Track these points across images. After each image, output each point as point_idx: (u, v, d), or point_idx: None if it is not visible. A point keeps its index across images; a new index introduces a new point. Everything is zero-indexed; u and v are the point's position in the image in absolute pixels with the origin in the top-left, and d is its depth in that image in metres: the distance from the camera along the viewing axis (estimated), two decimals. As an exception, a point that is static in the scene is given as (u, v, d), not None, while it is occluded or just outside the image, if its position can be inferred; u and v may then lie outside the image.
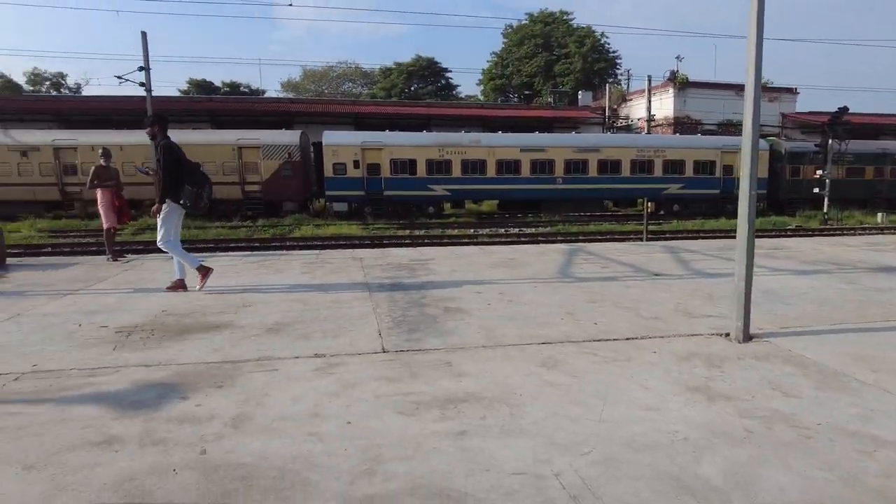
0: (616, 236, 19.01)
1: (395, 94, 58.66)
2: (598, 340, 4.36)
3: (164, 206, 6.21)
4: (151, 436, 2.79)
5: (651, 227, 18.48)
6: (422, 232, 20.90)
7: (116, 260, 8.82)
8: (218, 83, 55.22)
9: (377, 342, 4.25)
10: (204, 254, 10.69)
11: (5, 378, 3.59)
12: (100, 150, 9.45)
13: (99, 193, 9.05)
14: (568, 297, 5.84)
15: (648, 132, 36.60)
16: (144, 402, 3.20)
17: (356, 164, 24.38)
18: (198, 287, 6.23)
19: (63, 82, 52.24)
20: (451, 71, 63.60)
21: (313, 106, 36.99)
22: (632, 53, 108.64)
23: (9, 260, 8.52)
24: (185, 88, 53.68)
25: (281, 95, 56.95)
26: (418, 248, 11.02)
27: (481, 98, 61.61)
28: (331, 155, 24.19)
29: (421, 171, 24.93)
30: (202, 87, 53.79)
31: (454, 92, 63.14)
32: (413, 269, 7.56)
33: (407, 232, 20.86)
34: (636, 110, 42.79)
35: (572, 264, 8.05)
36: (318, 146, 25.22)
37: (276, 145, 24.30)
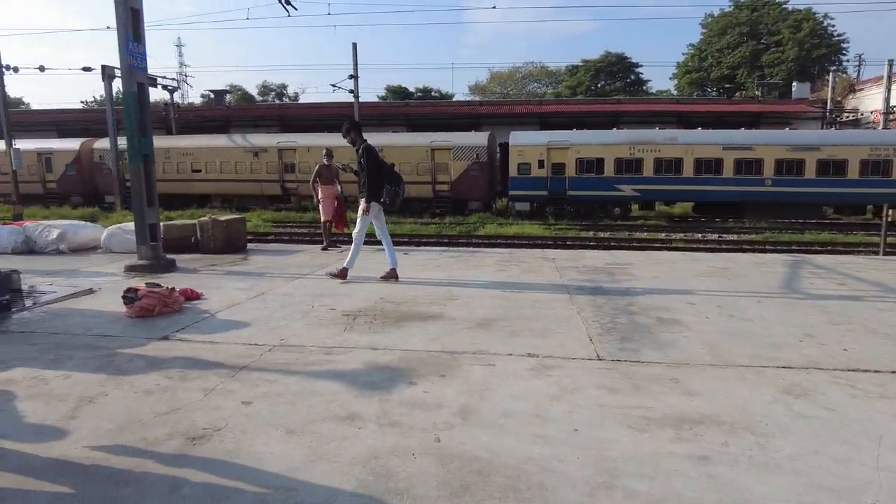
0: (838, 248, 16.42)
1: (580, 91, 57.45)
2: (854, 370, 3.71)
3: (364, 202, 6.68)
4: (388, 417, 2.97)
5: (888, 240, 15.62)
6: (607, 234, 20.11)
7: (328, 249, 9.77)
8: (412, 89, 59.09)
9: (590, 348, 4.09)
10: (400, 247, 11.41)
11: (262, 349, 4.12)
12: (323, 151, 10.50)
13: (320, 189, 10.10)
14: (802, 316, 5.10)
15: (885, 127, 31.08)
16: (377, 383, 3.43)
17: (541, 164, 24.26)
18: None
19: (285, 92, 59.92)
20: (641, 66, 60.47)
21: (500, 107, 37.73)
22: (863, 36, 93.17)
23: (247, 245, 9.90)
24: (383, 94, 58.27)
25: (468, 98, 59.10)
26: (611, 251, 10.58)
27: (674, 93, 57.64)
28: (516, 155, 24.39)
29: (608, 170, 24.00)
30: (397, 92, 57.97)
31: (644, 87, 59.97)
32: (611, 273, 7.23)
33: (591, 234, 20.23)
34: (868, 101, 36.57)
35: (799, 278, 7.06)
36: (504, 146, 25.61)
37: (465, 146, 25.19)
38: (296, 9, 13.42)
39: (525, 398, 3.19)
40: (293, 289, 6.25)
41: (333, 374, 3.60)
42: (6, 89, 22.66)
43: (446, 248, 10.90)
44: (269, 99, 58.17)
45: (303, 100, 58.13)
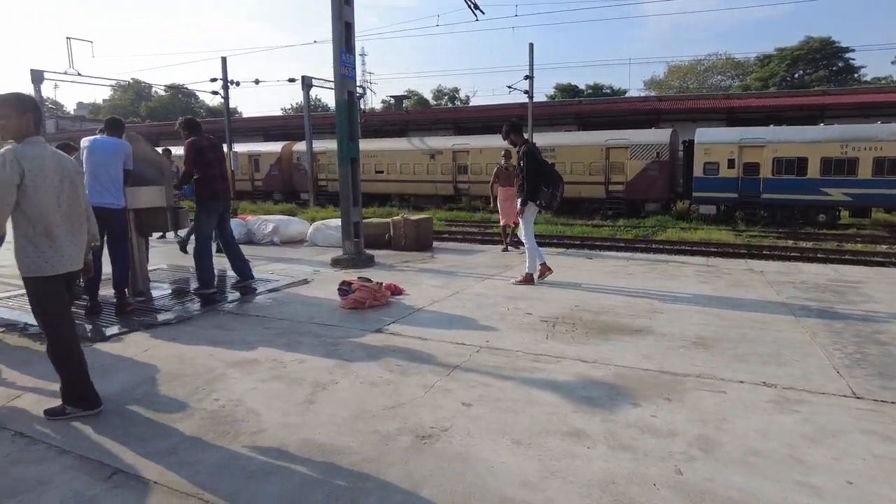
0: None
1: (773, 83, 51.46)
2: None
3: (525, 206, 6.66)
4: (617, 439, 2.79)
5: None
6: (810, 244, 17.70)
7: (508, 250, 9.78)
8: (582, 86, 57.68)
9: (840, 382, 3.52)
10: (571, 250, 11.11)
11: (470, 349, 4.18)
12: (502, 152, 10.57)
13: (499, 191, 10.16)
14: None
15: None
16: (596, 399, 3.27)
17: (731, 164, 22.12)
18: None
19: (457, 95, 62.00)
20: (852, 50, 52.39)
21: (681, 102, 35.15)
22: None
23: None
24: (552, 93, 57.60)
25: (642, 94, 56.05)
26: (832, 265, 9.21)
27: (898, 80, 49.11)
28: (702, 154, 22.51)
29: (812, 171, 21.13)
30: (567, 90, 56.92)
31: (856, 75, 51.94)
32: (840, 292, 6.25)
33: (790, 242, 17.95)
34: None
35: None
36: (687, 144, 23.79)
37: (644, 144, 23.86)
38: (483, 12, 13.67)
39: (773, 435, 2.81)
40: (484, 289, 6.32)
41: (547, 383, 3.51)
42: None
43: (632, 253, 10.34)
44: (443, 102, 60.57)
45: (474, 102, 59.79)
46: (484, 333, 4.56)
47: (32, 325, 5.07)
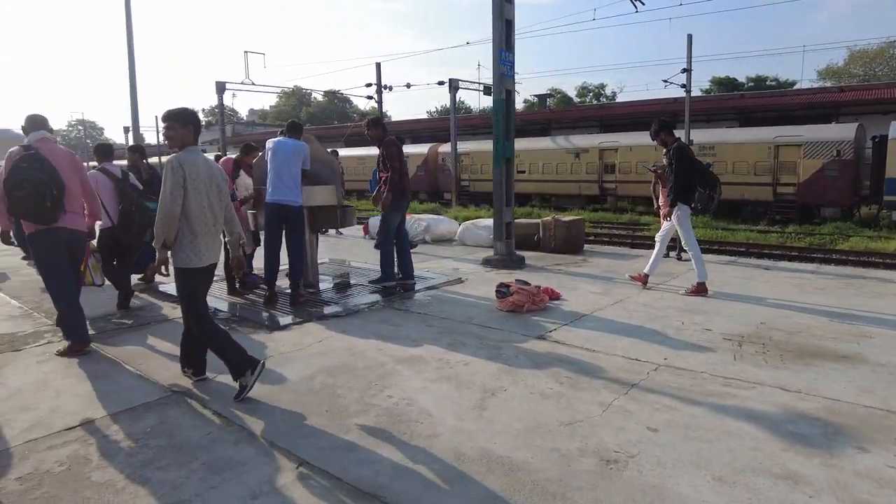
0: None
1: None
2: None
3: (676, 209, 6.14)
4: (847, 490, 2.36)
5: None
6: None
7: (668, 256, 9.08)
8: (741, 78, 52.77)
9: None
10: (741, 259, 10.02)
11: (646, 366, 3.86)
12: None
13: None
14: None
15: None
16: (808, 438, 2.82)
17: (936, 162, 18.85)
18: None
19: (602, 92, 59.81)
20: None
21: (868, 92, 30.72)
22: None
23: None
24: (707, 87, 53.34)
25: (815, 85, 49.93)
26: None
27: None
28: (897, 151, 19.44)
29: None
30: (724, 84, 52.40)
31: None
32: None
33: None
34: None
35: None
36: (878, 141, 20.68)
37: (822, 141, 21.13)
38: (643, 3, 12.95)
39: None
40: (650, 299, 5.88)
41: (743, 412, 3.10)
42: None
43: (818, 265, 9.13)
44: (587, 100, 58.69)
45: (621, 98, 57.22)
46: (659, 349, 4.20)
47: (221, 311, 5.61)
